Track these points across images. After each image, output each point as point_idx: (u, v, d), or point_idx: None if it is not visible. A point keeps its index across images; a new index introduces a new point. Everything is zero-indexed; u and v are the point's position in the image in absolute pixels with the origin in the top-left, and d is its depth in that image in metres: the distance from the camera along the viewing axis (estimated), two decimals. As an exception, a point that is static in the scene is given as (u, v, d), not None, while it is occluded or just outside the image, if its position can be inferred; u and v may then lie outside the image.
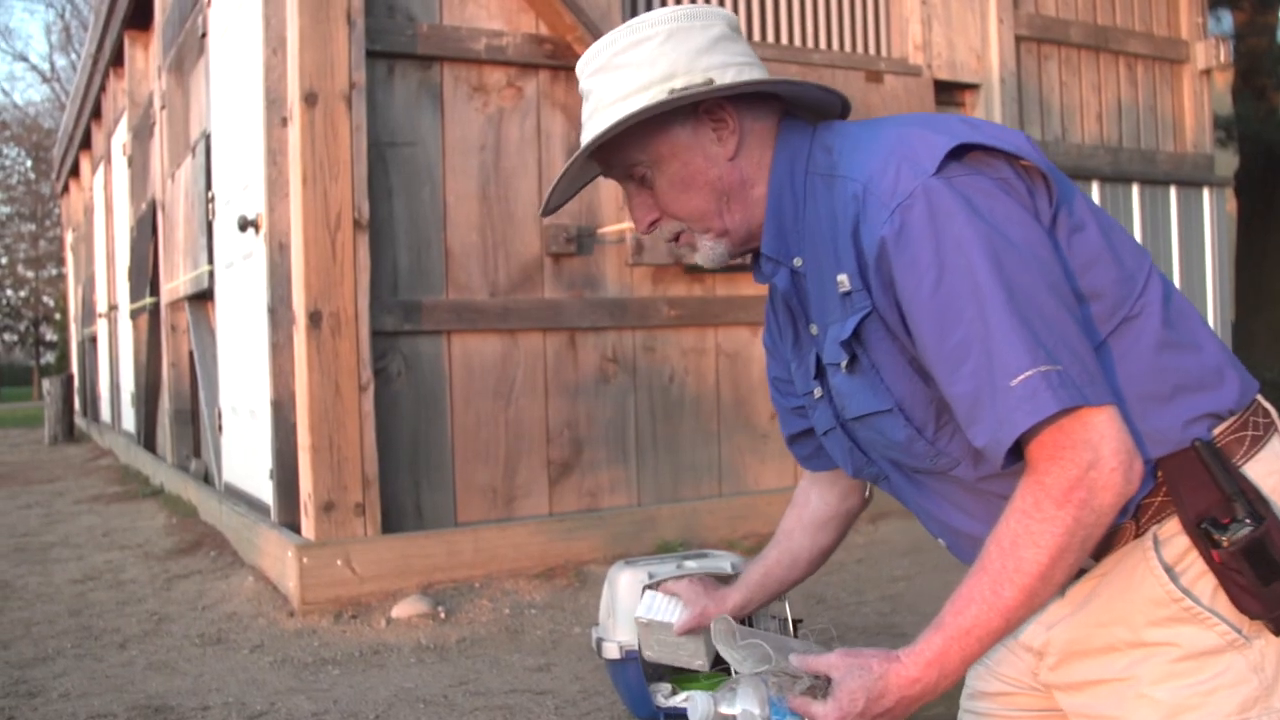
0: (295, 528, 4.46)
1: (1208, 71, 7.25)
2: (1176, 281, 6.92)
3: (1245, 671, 1.37)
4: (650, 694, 2.72)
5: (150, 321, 8.53)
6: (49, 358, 43.55)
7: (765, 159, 1.56)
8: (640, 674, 2.70)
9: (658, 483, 5.03)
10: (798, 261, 1.54)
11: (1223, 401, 1.43)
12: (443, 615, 3.96)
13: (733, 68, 1.51)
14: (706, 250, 1.59)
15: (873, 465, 1.63)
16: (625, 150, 1.56)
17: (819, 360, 1.59)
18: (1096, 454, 1.28)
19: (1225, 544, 1.34)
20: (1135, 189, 6.85)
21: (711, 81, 1.49)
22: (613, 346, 4.95)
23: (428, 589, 4.18)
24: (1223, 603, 1.38)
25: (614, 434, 4.94)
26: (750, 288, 5.25)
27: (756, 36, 5.46)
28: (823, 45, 5.68)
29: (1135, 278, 1.43)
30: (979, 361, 1.31)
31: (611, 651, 2.69)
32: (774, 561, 2.01)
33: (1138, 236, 6.80)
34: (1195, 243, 7.15)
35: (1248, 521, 1.34)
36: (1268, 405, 1.47)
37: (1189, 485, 1.38)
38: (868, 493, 1.92)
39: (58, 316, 31.59)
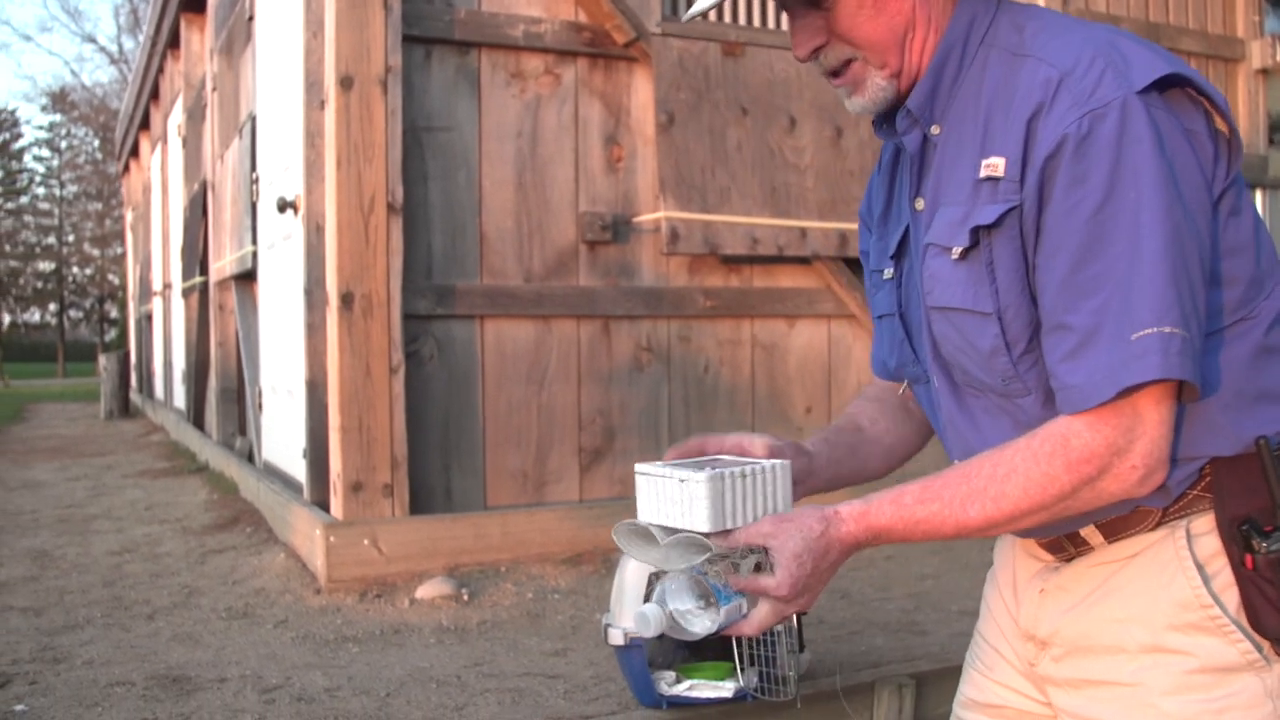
0: (325, 507, 4.51)
1: (1264, 71, 7.11)
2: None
3: (1260, 695, 1.32)
4: (654, 681, 2.74)
5: (200, 300, 8.65)
6: (112, 334, 44.28)
7: (949, 8, 1.43)
8: (644, 661, 2.72)
9: (689, 472, 5.03)
10: (935, 129, 1.44)
11: None
12: (466, 598, 3.99)
13: None
14: (875, 89, 1.46)
15: (918, 365, 1.55)
16: None
17: (905, 238, 1.52)
18: (1131, 442, 1.25)
19: (1263, 551, 1.29)
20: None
21: None
22: (647, 335, 4.96)
23: (453, 571, 4.21)
24: (1244, 619, 1.32)
25: (647, 423, 4.95)
26: (787, 279, 5.24)
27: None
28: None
29: (1265, 280, 1.37)
30: (1110, 301, 1.25)
31: (616, 637, 2.71)
32: (855, 442, 1.73)
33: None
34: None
35: None
36: None
37: (1237, 485, 1.33)
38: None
39: (120, 294, 32.07)
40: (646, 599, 2.71)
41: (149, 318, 14.66)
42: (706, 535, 1.40)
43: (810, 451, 1.65)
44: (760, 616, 1.40)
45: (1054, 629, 1.46)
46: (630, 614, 2.74)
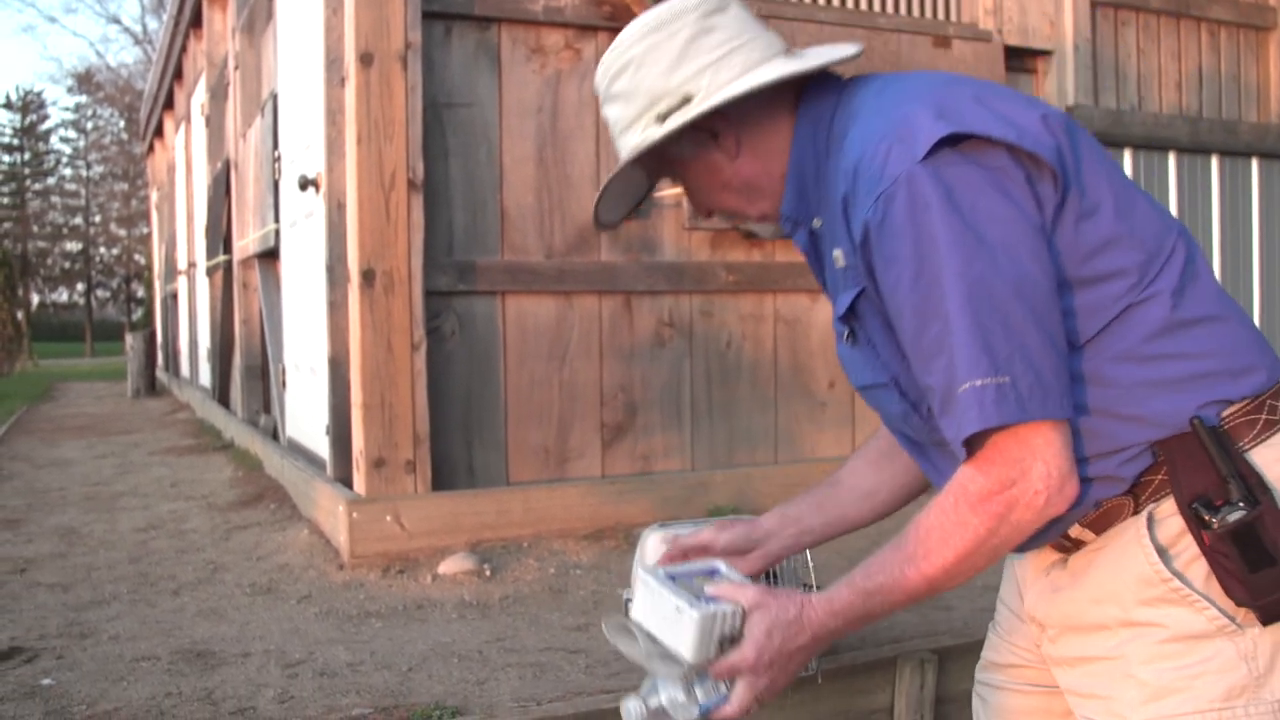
0: (348, 483, 4.53)
1: (1294, 39, 7.04)
2: (1255, 259, 6.76)
3: (1234, 659, 1.36)
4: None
5: (224, 279, 8.69)
6: (138, 314, 44.53)
7: (784, 137, 1.57)
8: (664, 635, 2.72)
9: (712, 448, 5.03)
10: (817, 222, 1.55)
11: (1240, 386, 1.41)
12: (488, 573, 4.00)
13: (708, 71, 1.51)
14: (760, 229, 1.73)
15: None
16: (650, 167, 1.63)
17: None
18: (1023, 472, 1.32)
19: (1215, 526, 1.34)
20: (1215, 161, 6.68)
21: (689, 98, 1.51)
22: (669, 311, 4.95)
23: (475, 547, 4.22)
24: (1216, 588, 1.36)
25: (669, 398, 4.94)
26: (809, 254, 5.21)
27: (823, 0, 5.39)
28: (889, 9, 5.59)
29: (1153, 261, 1.41)
30: (944, 362, 1.34)
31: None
32: (845, 490, 1.87)
33: (1215, 210, 6.64)
34: (1277, 218, 6.96)
35: (1241, 505, 1.33)
36: None
37: (1187, 465, 1.37)
38: None
39: (146, 274, 32.26)
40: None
41: (174, 296, 14.74)
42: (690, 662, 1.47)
43: (765, 527, 1.88)
44: (738, 695, 1.47)
45: (1047, 613, 1.54)
46: (650, 589, 2.74)
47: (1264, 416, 1.40)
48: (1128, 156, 6.28)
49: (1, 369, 24.56)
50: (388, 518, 4.14)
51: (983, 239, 1.32)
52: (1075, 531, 1.46)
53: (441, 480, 4.40)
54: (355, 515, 4.11)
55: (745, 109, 1.53)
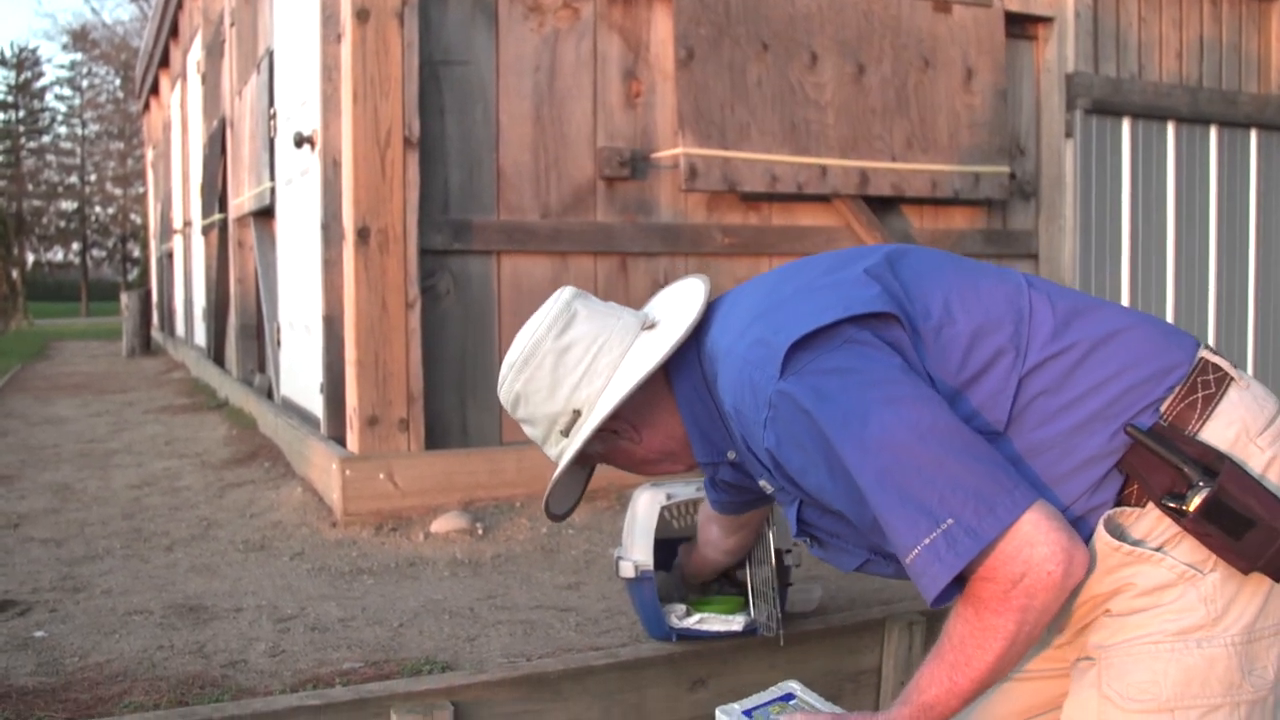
0: (342, 441, 4.53)
1: (1296, 9, 7.00)
2: (1252, 230, 6.74)
3: (1194, 601, 1.45)
4: (665, 614, 2.75)
5: (219, 237, 8.66)
6: (134, 273, 44.44)
7: (670, 401, 1.75)
8: (654, 593, 2.73)
9: (705, 411, 5.02)
10: (731, 455, 1.72)
11: (1163, 381, 1.50)
12: (480, 531, 4.01)
13: (582, 384, 1.70)
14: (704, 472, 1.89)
15: None
16: (581, 462, 1.84)
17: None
18: (1028, 564, 1.37)
19: (1188, 512, 1.41)
20: (1213, 131, 6.65)
21: (577, 412, 1.70)
22: (664, 272, 4.93)
23: (468, 505, 4.23)
24: (1180, 547, 1.46)
25: (662, 360, 4.93)
26: (806, 217, 5.20)
27: (822, -39, 5.35)
28: (890, -28, 5.55)
29: (1020, 326, 1.52)
30: (888, 535, 1.43)
31: (627, 570, 2.72)
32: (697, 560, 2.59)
33: (1213, 181, 6.61)
34: (1275, 190, 6.94)
35: (1201, 484, 1.41)
36: (1216, 359, 1.52)
37: (1148, 469, 1.45)
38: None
39: (142, 233, 32.15)
40: (659, 541, 2.72)
41: (170, 255, 14.69)
42: None
43: None
44: None
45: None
46: (642, 547, 2.75)
47: (1200, 395, 1.48)
48: (1126, 125, 6.25)
49: (-3, 327, 24.52)
50: (381, 475, 4.14)
51: (864, 414, 1.41)
52: None
53: (435, 439, 4.40)
54: (348, 473, 4.11)
55: (630, 401, 1.69)
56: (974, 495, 1.36)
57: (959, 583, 1.41)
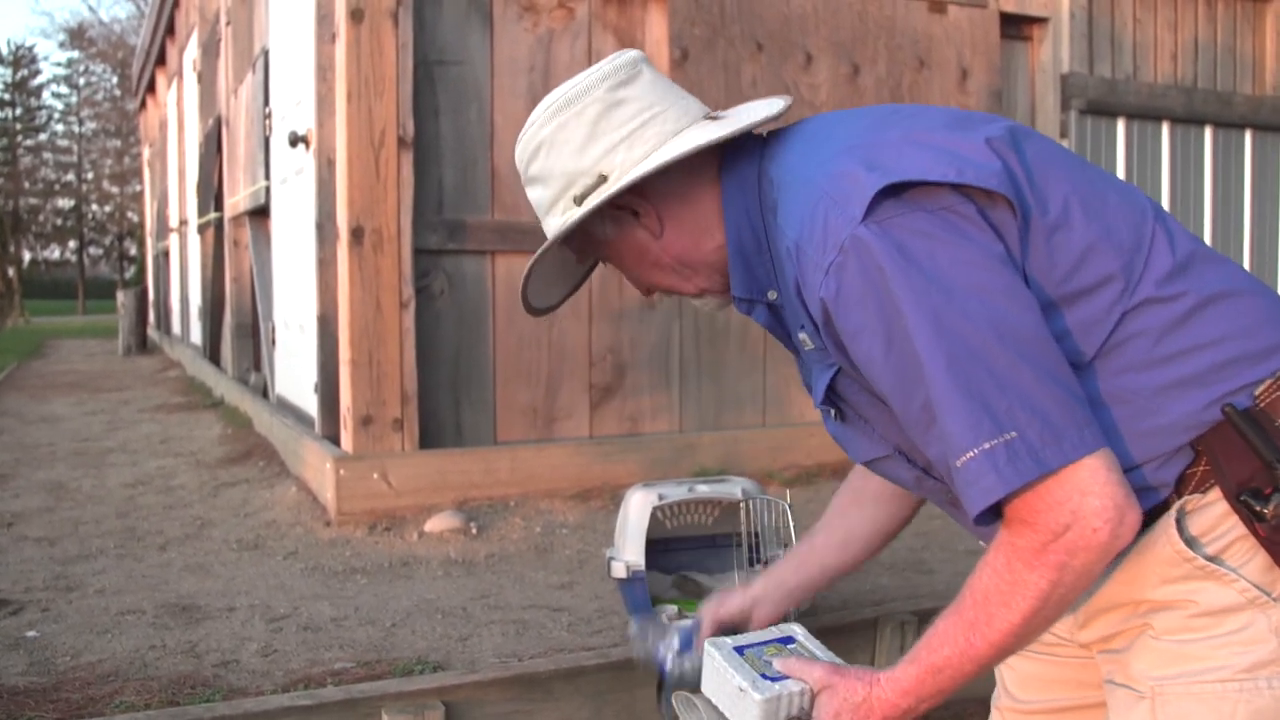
0: (336, 440, 4.53)
1: (1292, 10, 7.01)
2: (1246, 231, 6.75)
3: (1265, 631, 1.30)
4: (656, 614, 2.76)
5: (215, 236, 8.66)
6: (131, 272, 44.42)
7: (712, 208, 1.49)
8: (646, 593, 2.74)
9: (700, 410, 5.03)
10: (772, 295, 1.47)
11: (1266, 360, 1.32)
12: (474, 531, 4.01)
13: (621, 147, 1.45)
14: (700, 305, 1.59)
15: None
16: (581, 249, 1.57)
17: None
18: (1075, 515, 1.21)
19: (1268, 516, 1.27)
20: (1208, 132, 6.67)
21: (604, 177, 1.45)
22: (659, 273, 4.93)
23: (462, 505, 4.23)
24: (1251, 565, 1.31)
25: (657, 359, 4.95)
26: (800, 218, 5.19)
27: (817, -38, 5.36)
28: (886, -28, 5.56)
29: (1137, 256, 1.34)
30: (938, 432, 1.26)
31: (619, 570, 2.73)
32: (821, 542, 1.88)
33: (1208, 182, 6.63)
34: (1269, 191, 6.96)
35: None
36: None
37: (1228, 455, 1.30)
38: None
39: (139, 231, 32.13)
40: (651, 541, 2.72)
41: (166, 254, 14.69)
42: None
43: (754, 594, 1.88)
44: None
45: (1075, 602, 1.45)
46: (634, 548, 2.75)
47: None
48: (1121, 126, 6.27)
49: (-7, 325, 24.50)
50: (375, 475, 4.14)
51: (948, 289, 1.24)
52: None
53: (429, 439, 4.41)
54: (342, 472, 4.11)
55: (665, 183, 1.47)
56: (1043, 418, 1.20)
57: (998, 514, 1.26)
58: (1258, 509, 1.27)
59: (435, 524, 4.02)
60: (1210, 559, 1.31)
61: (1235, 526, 1.31)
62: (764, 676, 1.41)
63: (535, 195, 1.54)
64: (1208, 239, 6.54)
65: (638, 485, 2.89)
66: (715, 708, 1.46)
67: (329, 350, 4.68)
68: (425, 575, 3.59)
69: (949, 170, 1.28)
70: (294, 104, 5.48)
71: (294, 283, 5.71)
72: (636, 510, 2.76)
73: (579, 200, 1.46)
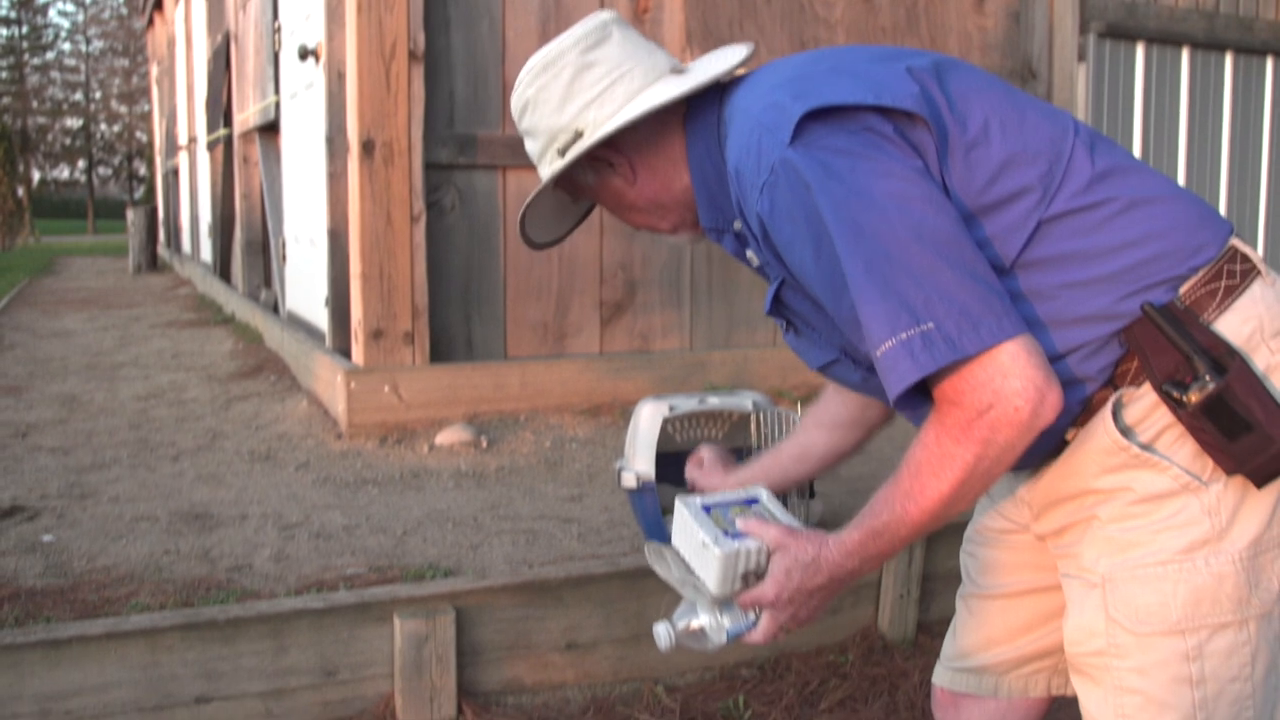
0: (347, 354, 4.55)
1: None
2: (1265, 158, 6.69)
3: (1198, 514, 1.40)
4: (665, 524, 2.77)
5: (224, 153, 8.62)
6: (140, 192, 44.30)
7: (680, 152, 1.65)
8: (656, 504, 2.75)
9: (710, 328, 5.03)
10: (737, 225, 1.61)
11: (1187, 260, 1.42)
12: (485, 445, 4.03)
13: (593, 106, 1.60)
14: (676, 241, 1.77)
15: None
16: (572, 192, 1.75)
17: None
18: (997, 395, 1.30)
19: (1188, 403, 1.36)
20: (1229, 58, 6.58)
21: (580, 132, 1.61)
22: (670, 191, 4.90)
23: (473, 419, 4.25)
24: (1181, 450, 1.40)
25: (668, 277, 4.94)
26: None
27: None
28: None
29: (1054, 168, 1.43)
30: (864, 327, 1.36)
31: (629, 481, 2.74)
32: (785, 453, 2.09)
33: (1227, 109, 6.56)
34: (1290, 116, 6.89)
35: (1208, 378, 1.35)
36: (1246, 250, 1.45)
37: (1153, 349, 1.39)
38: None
39: (148, 151, 32.00)
40: (661, 454, 2.74)
41: (175, 172, 14.64)
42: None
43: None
44: (763, 626, 1.54)
45: (1031, 495, 1.59)
46: (644, 458, 2.76)
47: (1223, 283, 1.41)
48: (1140, 51, 6.19)
49: (3, 244, 24.50)
50: (386, 388, 4.16)
51: (868, 199, 1.35)
52: (1070, 435, 1.47)
53: (440, 353, 4.42)
54: (353, 385, 4.13)
55: (635, 135, 1.62)
56: (960, 309, 1.30)
57: (924, 399, 1.36)
58: (1179, 397, 1.36)
59: (446, 437, 4.04)
60: (1144, 447, 1.40)
61: (1164, 416, 1.40)
62: (726, 534, 1.52)
63: (528, 147, 1.71)
64: (1224, 166, 6.49)
65: (648, 397, 2.89)
66: (682, 559, 1.58)
67: (340, 264, 4.68)
68: (436, 487, 3.62)
69: (868, 94, 1.41)
70: (303, 18, 5.43)
71: (304, 198, 5.69)
72: (647, 421, 2.76)
73: (561, 153, 1.63)
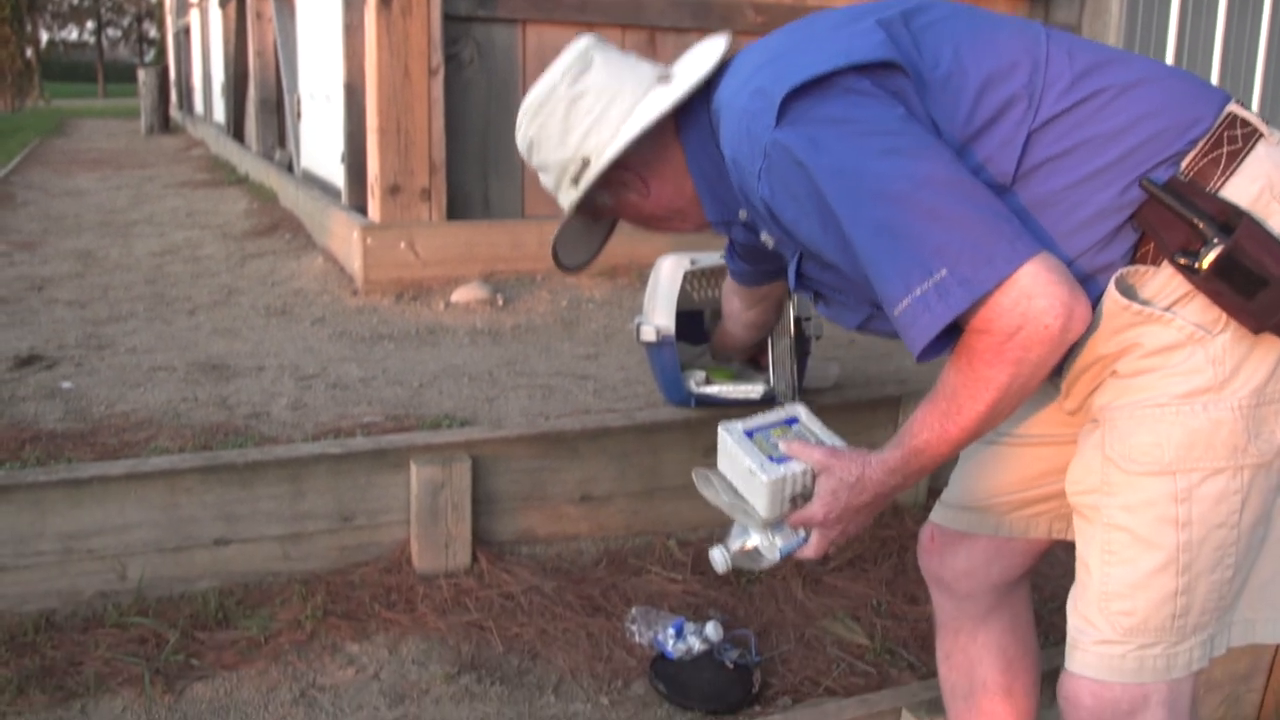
0: (363, 210, 4.51)
1: None
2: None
3: (1202, 362, 1.42)
4: (684, 379, 2.77)
5: (237, 9, 8.47)
6: (151, 55, 43.77)
7: (680, 156, 1.70)
8: (675, 358, 2.74)
9: (728, 194, 4.96)
10: (743, 214, 1.67)
11: (1184, 134, 1.43)
12: (501, 303, 4.02)
13: (591, 133, 1.66)
14: (684, 231, 1.80)
15: None
16: (593, 214, 1.82)
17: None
18: (1024, 317, 1.32)
19: (1200, 268, 1.37)
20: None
21: (587, 159, 1.67)
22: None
23: (489, 277, 4.23)
24: (1189, 307, 1.41)
25: (687, 141, 4.85)
26: (839, -3, 5.03)
27: None
28: None
29: (1035, 73, 1.45)
30: (878, 288, 1.40)
31: (649, 334, 2.73)
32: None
33: (1263, 39, 6.34)
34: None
35: (1216, 241, 1.36)
36: (1246, 115, 1.45)
37: (1162, 226, 1.41)
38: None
39: (158, 13, 31.53)
40: (679, 312, 2.72)
41: (186, 31, 14.43)
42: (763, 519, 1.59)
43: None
44: (814, 543, 1.59)
45: (1064, 377, 1.57)
46: (664, 311, 2.74)
47: (1225, 149, 1.42)
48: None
49: (12, 105, 24.29)
50: (402, 244, 4.13)
51: (859, 164, 1.38)
52: None
53: (456, 210, 4.38)
54: (369, 241, 4.10)
55: (639, 150, 1.65)
56: (971, 246, 1.32)
57: (951, 335, 1.38)
58: (1190, 264, 1.38)
59: (462, 294, 4.02)
60: (1144, 303, 1.42)
61: (1181, 285, 1.41)
62: (770, 459, 1.56)
63: (544, 181, 1.78)
64: (1256, 99, 6.30)
65: (669, 253, 2.86)
66: (729, 484, 1.62)
67: (356, 119, 4.61)
68: (451, 343, 3.61)
69: (839, 58, 1.43)
70: None
71: (320, 53, 5.60)
72: (668, 274, 2.74)
73: (575, 181, 1.70)
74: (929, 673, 2.36)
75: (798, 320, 2.65)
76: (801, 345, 2.74)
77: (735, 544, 1.63)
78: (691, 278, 2.86)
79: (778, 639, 2.46)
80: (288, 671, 2.22)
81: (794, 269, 1.63)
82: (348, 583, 2.48)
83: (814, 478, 1.55)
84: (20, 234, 5.66)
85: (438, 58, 4.17)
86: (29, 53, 27.06)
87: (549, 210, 4.59)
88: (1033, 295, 1.31)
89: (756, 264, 2.10)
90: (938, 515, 1.83)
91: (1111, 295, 1.43)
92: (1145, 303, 1.42)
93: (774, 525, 1.60)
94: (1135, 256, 1.44)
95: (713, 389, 2.78)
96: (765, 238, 1.64)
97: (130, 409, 2.88)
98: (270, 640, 2.30)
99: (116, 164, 9.71)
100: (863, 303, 1.61)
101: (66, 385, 3.08)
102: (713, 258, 2.80)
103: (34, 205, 6.81)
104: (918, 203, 1.35)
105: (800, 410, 1.68)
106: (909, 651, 2.45)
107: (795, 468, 1.55)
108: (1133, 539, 1.46)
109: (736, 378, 2.81)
